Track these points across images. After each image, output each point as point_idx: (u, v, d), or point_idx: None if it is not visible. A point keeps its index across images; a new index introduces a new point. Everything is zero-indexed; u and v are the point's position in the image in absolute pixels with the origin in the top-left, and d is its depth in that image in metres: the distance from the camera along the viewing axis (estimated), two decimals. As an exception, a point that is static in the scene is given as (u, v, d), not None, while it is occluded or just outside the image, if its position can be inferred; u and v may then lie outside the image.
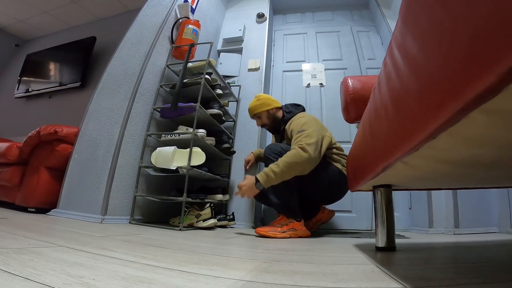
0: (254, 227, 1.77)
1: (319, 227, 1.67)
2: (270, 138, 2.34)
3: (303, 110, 1.66)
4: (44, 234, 0.85)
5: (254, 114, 1.64)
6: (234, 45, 2.56)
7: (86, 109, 1.70)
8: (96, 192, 1.42)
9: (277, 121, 1.62)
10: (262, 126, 1.67)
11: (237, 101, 2.21)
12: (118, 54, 1.77)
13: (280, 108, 1.65)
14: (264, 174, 1.27)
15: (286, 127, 1.53)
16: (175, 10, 1.99)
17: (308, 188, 1.45)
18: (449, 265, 0.70)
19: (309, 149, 1.28)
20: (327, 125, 1.67)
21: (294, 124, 1.46)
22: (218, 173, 1.83)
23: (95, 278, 0.42)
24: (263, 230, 1.32)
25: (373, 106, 0.63)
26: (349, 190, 1.32)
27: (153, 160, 1.52)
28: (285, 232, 1.35)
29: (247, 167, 1.85)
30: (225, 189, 1.88)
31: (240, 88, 2.24)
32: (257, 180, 1.28)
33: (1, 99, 3.53)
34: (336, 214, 1.96)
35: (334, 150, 1.50)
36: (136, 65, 1.69)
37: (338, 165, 1.47)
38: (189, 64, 1.76)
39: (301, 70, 2.55)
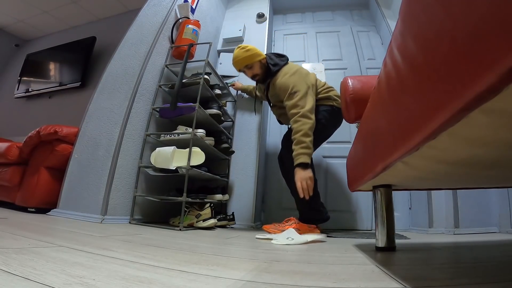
0: (254, 227, 1.77)
1: None
2: (269, 138, 2.34)
3: (287, 60, 1.61)
4: (44, 234, 0.85)
5: (246, 65, 1.56)
6: (234, 45, 2.53)
7: (86, 109, 1.69)
8: (96, 192, 1.42)
9: (269, 71, 1.56)
10: (253, 77, 1.62)
11: (235, 101, 2.21)
12: (118, 54, 1.77)
13: (265, 58, 1.60)
14: (301, 155, 1.31)
15: (273, 82, 1.52)
16: (175, 10, 1.99)
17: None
18: (449, 265, 0.70)
19: (311, 116, 1.37)
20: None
21: (283, 83, 1.46)
22: (218, 173, 1.83)
23: (95, 278, 0.42)
24: (267, 226, 1.45)
25: (373, 106, 0.63)
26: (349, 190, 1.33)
27: (152, 160, 1.52)
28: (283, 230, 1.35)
29: (234, 88, 2.09)
30: (225, 189, 1.87)
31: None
32: (301, 166, 1.31)
33: (1, 99, 3.52)
34: (336, 214, 1.96)
35: (321, 89, 1.56)
36: (136, 65, 1.68)
37: (329, 102, 1.54)
38: (189, 65, 1.76)
39: (301, 70, 2.55)
